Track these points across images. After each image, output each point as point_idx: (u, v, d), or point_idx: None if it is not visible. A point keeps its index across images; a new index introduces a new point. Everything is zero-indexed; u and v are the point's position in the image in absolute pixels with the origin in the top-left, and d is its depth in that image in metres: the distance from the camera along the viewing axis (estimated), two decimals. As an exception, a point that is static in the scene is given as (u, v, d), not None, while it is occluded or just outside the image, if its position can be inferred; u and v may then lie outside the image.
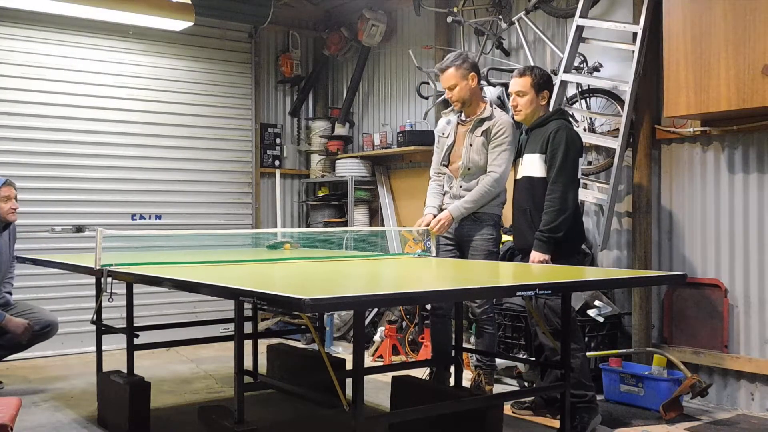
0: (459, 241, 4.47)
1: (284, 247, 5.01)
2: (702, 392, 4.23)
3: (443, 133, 4.62)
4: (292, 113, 7.89)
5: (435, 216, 4.42)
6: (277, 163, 7.62)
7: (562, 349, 3.48)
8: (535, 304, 3.96)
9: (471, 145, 4.40)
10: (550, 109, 4.25)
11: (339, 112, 7.69)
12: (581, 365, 3.90)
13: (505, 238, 5.04)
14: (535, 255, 3.94)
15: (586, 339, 4.63)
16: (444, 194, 4.56)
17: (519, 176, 4.22)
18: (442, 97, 5.75)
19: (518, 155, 4.25)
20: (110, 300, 3.61)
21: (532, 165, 4.07)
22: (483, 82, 5.60)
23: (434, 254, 4.44)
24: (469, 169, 4.39)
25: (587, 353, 4.27)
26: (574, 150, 3.99)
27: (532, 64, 5.12)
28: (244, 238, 6.91)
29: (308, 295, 2.24)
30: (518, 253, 4.32)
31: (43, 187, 6.23)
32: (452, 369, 4.16)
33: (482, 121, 4.39)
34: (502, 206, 4.48)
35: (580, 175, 4.11)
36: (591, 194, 4.98)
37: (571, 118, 4.50)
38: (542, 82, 4.09)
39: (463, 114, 4.52)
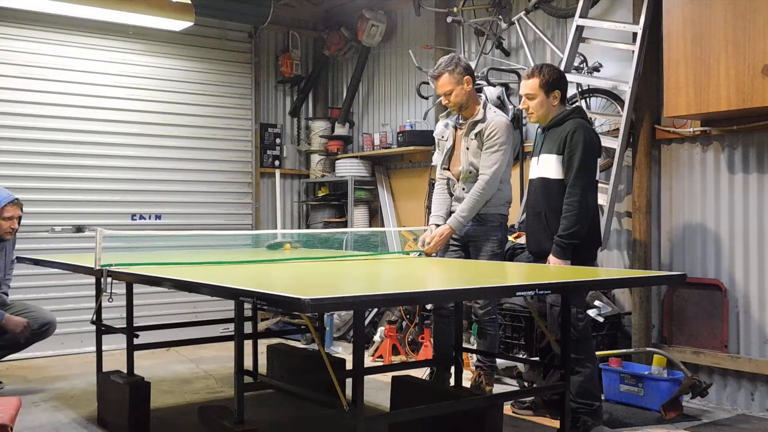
0: (464, 242, 4.47)
1: (284, 247, 5.02)
2: (702, 392, 4.23)
3: (442, 137, 4.62)
4: (292, 113, 7.89)
5: (438, 226, 4.42)
6: (277, 163, 7.62)
7: (562, 348, 3.48)
8: (549, 312, 3.92)
9: (467, 148, 4.40)
10: (566, 106, 4.07)
11: (339, 112, 7.69)
12: (590, 374, 3.84)
13: (511, 238, 5.04)
14: (553, 261, 3.83)
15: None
16: (451, 195, 4.55)
17: (533, 176, 4.08)
18: (442, 102, 5.77)
19: (533, 155, 4.13)
20: (110, 300, 3.61)
21: (549, 166, 3.93)
22: (483, 82, 5.62)
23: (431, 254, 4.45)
24: (470, 172, 4.38)
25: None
26: (592, 151, 3.86)
27: (532, 64, 5.11)
28: (244, 238, 6.91)
29: (308, 295, 2.24)
30: (531, 257, 4.24)
31: (43, 187, 6.23)
32: (452, 369, 4.16)
33: (475, 124, 4.39)
34: (508, 206, 4.47)
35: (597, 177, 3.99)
36: (591, 194, 4.97)
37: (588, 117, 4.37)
38: (552, 81, 3.94)
39: (460, 117, 4.52)
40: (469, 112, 4.45)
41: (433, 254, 4.47)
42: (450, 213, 4.46)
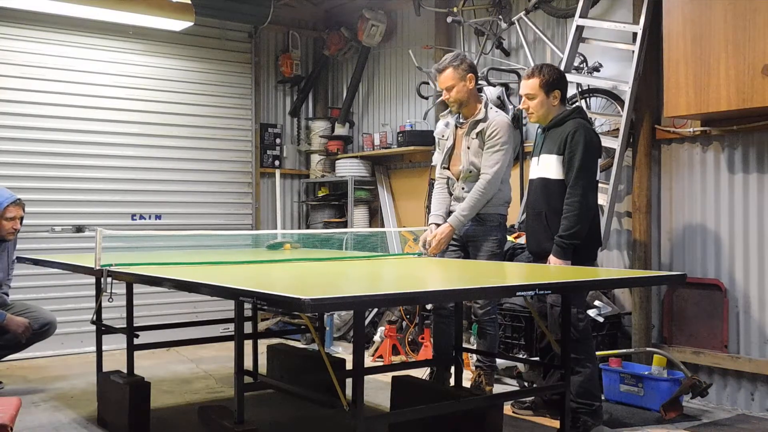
0: (463, 242, 4.46)
1: (284, 247, 5.02)
2: (702, 392, 4.23)
3: (443, 136, 4.62)
4: (292, 113, 7.89)
5: (438, 226, 4.42)
6: (277, 163, 7.62)
7: (562, 348, 3.48)
8: (550, 312, 3.93)
9: (468, 147, 4.39)
10: (566, 106, 4.06)
11: (339, 112, 7.69)
12: (590, 374, 3.84)
13: (510, 238, 5.04)
14: (553, 261, 3.83)
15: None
16: (451, 195, 4.55)
17: (534, 177, 4.08)
18: (442, 97, 5.75)
19: (534, 155, 4.13)
20: (110, 300, 3.61)
21: (549, 166, 3.93)
22: (483, 82, 5.62)
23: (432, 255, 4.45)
24: (470, 172, 4.38)
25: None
26: (592, 151, 3.86)
27: (532, 64, 5.10)
28: (244, 238, 6.92)
29: (308, 295, 2.24)
30: (531, 257, 4.23)
31: (43, 187, 6.23)
32: (452, 369, 4.16)
33: (476, 123, 4.38)
34: (507, 206, 4.46)
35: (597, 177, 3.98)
36: (591, 194, 4.97)
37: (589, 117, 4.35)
38: (552, 81, 3.94)
39: (460, 116, 4.52)
40: (470, 111, 4.44)
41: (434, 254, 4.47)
42: (449, 212, 4.46)
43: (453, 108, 4.50)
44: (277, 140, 7.63)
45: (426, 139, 6.48)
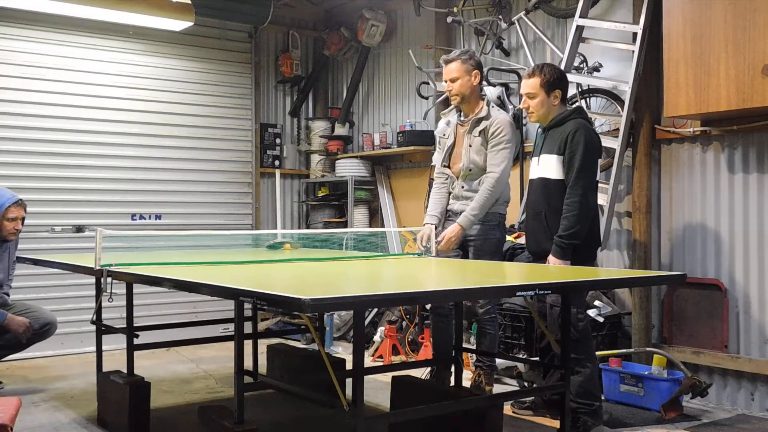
0: (463, 241, 4.46)
1: (284, 247, 5.02)
2: (702, 392, 4.23)
3: (443, 134, 4.63)
4: (292, 113, 7.89)
5: (436, 226, 4.41)
6: (277, 163, 7.62)
7: (562, 348, 3.48)
8: (549, 312, 3.92)
9: (470, 146, 4.39)
10: (566, 106, 4.06)
11: (339, 112, 7.69)
12: (590, 374, 3.84)
13: (510, 238, 5.04)
14: (553, 261, 3.83)
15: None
16: (449, 194, 4.54)
17: (534, 177, 4.07)
18: (443, 96, 5.75)
19: (534, 155, 4.12)
20: (110, 300, 3.61)
21: (549, 166, 3.93)
22: (483, 82, 5.61)
23: (433, 254, 4.45)
24: (470, 170, 4.38)
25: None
26: (593, 151, 3.86)
27: (532, 64, 5.10)
28: (244, 238, 6.92)
29: (308, 295, 2.24)
30: (531, 257, 4.23)
31: (43, 187, 6.23)
32: (452, 369, 4.16)
33: (479, 121, 4.38)
34: (506, 205, 4.47)
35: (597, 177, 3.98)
36: (591, 194, 4.97)
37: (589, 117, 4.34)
38: (553, 80, 3.94)
39: (462, 114, 4.52)
40: (471, 108, 4.44)
41: (434, 254, 4.47)
42: (446, 212, 4.47)
43: (454, 102, 4.50)
44: (277, 140, 7.63)
45: (426, 139, 6.49)
